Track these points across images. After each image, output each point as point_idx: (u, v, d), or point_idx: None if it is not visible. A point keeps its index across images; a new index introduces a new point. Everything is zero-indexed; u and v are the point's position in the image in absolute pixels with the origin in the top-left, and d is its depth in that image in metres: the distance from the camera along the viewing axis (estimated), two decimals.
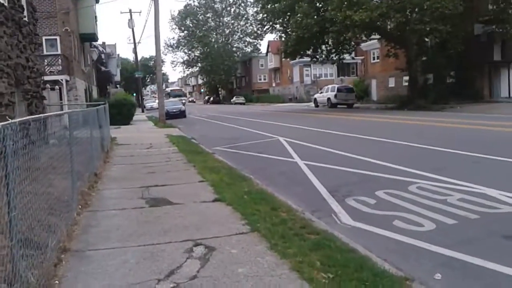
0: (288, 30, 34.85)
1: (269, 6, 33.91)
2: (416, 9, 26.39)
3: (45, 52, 24.64)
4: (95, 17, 31.19)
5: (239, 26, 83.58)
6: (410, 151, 11.64)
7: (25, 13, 12.74)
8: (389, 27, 31.04)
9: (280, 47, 39.70)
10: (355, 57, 49.68)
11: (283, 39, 38.03)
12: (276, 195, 7.06)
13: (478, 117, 20.47)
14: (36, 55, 13.91)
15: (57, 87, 20.87)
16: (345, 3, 26.45)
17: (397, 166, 9.22)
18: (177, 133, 20.27)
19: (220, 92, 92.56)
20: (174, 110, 36.45)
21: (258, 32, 38.08)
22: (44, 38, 24.83)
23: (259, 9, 36.75)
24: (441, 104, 30.07)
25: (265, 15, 35.56)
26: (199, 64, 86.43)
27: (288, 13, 31.88)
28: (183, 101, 52.13)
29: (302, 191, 7.83)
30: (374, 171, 8.94)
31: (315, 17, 29.13)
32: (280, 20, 34.88)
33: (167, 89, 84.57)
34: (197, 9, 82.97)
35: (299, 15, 28.62)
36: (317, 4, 30.37)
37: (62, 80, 24.44)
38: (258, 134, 18.23)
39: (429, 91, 33.77)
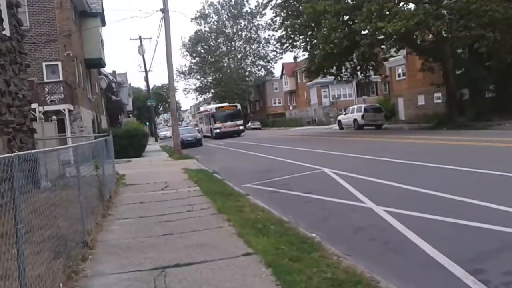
0: (310, 47, 32.13)
1: (288, 22, 31.34)
2: (458, 15, 23.46)
3: (45, 79, 22.18)
4: (101, 40, 28.80)
5: (251, 50, 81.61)
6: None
7: (5, 25, 10.06)
8: (426, 37, 28.13)
9: (304, 65, 36.98)
10: (374, 76, 46.69)
11: (305, 56, 35.32)
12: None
13: None
14: (22, 79, 11.18)
15: (54, 117, 18.19)
16: (375, 13, 23.65)
17: None
18: (196, 166, 17.38)
19: None
20: (190, 139, 33.81)
21: (277, 51, 35.48)
22: (44, 64, 22.48)
23: (277, 25, 34.21)
24: (484, 122, 26.88)
25: (284, 32, 32.95)
26: (212, 90, 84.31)
27: (312, 28, 29.17)
28: (240, 127, 45.02)
29: (418, 269, 4.79)
30: (503, 224, 5.87)
31: (344, 29, 26.36)
32: (302, 37, 32.22)
33: (206, 106, 64.43)
34: (208, 34, 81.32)
35: (325, 28, 25.87)
36: (344, 17, 27.63)
37: (64, 109, 21.83)
38: (293, 164, 15.21)
39: (466, 108, 30.62)
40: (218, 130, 43.00)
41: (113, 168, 12.95)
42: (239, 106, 48.43)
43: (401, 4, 24.26)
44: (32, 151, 4.87)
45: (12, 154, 3.49)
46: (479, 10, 21.99)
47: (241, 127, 44.72)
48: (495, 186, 8.65)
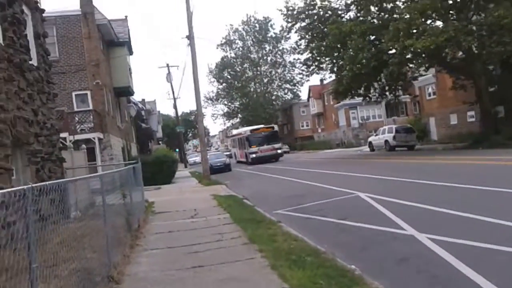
0: (336, 68, 31.79)
1: (314, 44, 31.15)
2: (489, 31, 22.74)
3: (75, 109, 22.49)
4: (129, 69, 29.22)
5: (277, 74, 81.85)
6: None
7: (33, 55, 10.12)
8: (456, 54, 27.43)
9: (331, 87, 36.61)
10: (403, 96, 45.82)
11: (332, 78, 35.02)
12: None
13: None
14: (51, 108, 11.20)
15: (83, 146, 18.28)
16: (402, 32, 23.17)
17: None
18: (225, 192, 17.08)
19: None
20: (218, 164, 33.69)
21: (303, 73, 35.16)
22: (73, 93, 22.80)
23: (302, 48, 34.08)
24: None
25: (309, 54, 32.74)
26: (240, 115, 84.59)
27: (338, 49, 28.87)
28: (278, 150, 40.67)
29: None
30: None
31: (371, 49, 25.93)
32: (328, 59, 31.93)
33: (240, 129, 56.52)
34: (234, 60, 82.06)
35: (351, 49, 25.52)
36: (370, 37, 27.25)
37: (94, 138, 22.03)
38: (325, 188, 14.73)
39: (501, 126, 29.49)
40: (254, 155, 38.86)
41: (142, 195, 12.77)
42: (276, 128, 43.62)
43: (429, 21, 23.70)
44: (55, 181, 4.65)
45: (25, 186, 3.23)
46: (511, 24, 21.31)
47: (279, 151, 40.48)
48: None
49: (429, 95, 42.42)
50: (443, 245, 6.22)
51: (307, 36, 32.66)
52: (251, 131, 41.17)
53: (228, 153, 68.81)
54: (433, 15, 24.14)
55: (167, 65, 49.83)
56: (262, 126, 44.52)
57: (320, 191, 14.14)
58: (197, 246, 7.50)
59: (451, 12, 25.75)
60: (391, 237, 7.24)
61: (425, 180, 13.44)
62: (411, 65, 28.03)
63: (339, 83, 30.89)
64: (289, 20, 32.79)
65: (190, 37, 24.77)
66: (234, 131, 51.59)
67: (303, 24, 32.54)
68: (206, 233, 8.65)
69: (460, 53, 27.22)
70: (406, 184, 13.60)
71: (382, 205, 9.97)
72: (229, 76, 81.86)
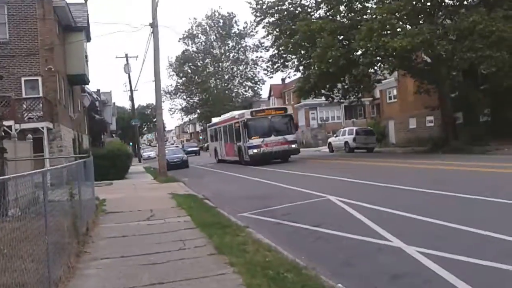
0: (302, 67, 31.24)
1: (281, 41, 30.45)
2: (461, 36, 22.76)
3: (23, 95, 20.72)
4: (86, 56, 27.44)
5: (238, 71, 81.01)
6: None
7: None
8: (421, 59, 27.51)
9: (295, 85, 36.02)
10: (364, 98, 45.99)
11: (297, 76, 34.50)
12: None
13: None
14: None
15: (29, 136, 16.69)
16: (376, 32, 22.82)
17: None
18: (184, 191, 16.00)
19: None
20: (175, 160, 32.41)
21: (268, 70, 34.28)
22: (23, 79, 21.02)
23: (269, 44, 33.33)
24: (480, 146, 26.05)
25: (276, 51, 32.02)
26: (198, 111, 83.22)
27: (306, 48, 28.28)
28: (293, 145, 27.60)
29: None
30: None
31: (340, 48, 25.48)
32: (294, 57, 31.33)
33: (232, 113, 35.65)
34: (195, 55, 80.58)
35: (320, 47, 24.95)
36: (339, 36, 26.82)
37: (43, 128, 20.35)
38: (291, 190, 13.95)
39: (460, 131, 29.87)
40: (255, 150, 26.41)
41: (92, 192, 11.56)
42: (289, 111, 29.58)
43: (401, 23, 23.48)
44: None
45: None
46: (485, 30, 21.34)
47: (293, 145, 27.40)
48: None
49: (390, 98, 42.74)
50: (438, 261, 5.51)
51: (275, 32, 31.97)
52: (253, 113, 28.11)
53: (193, 148, 65.57)
54: (404, 17, 23.91)
55: (126, 56, 47.84)
56: (268, 107, 32.44)
57: (287, 193, 13.36)
58: (155, 256, 6.49)
59: (420, 16, 25.67)
60: (376, 248, 6.50)
61: (393, 184, 12.95)
62: (380, 66, 27.81)
63: (305, 81, 30.33)
64: (258, 14, 31.98)
65: (154, 25, 23.40)
66: (216, 120, 38.21)
67: (272, 19, 31.84)
68: (165, 239, 7.64)
69: (426, 58, 27.28)
70: (375, 187, 13.03)
71: (357, 210, 9.27)
72: (189, 71, 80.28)
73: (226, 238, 7.29)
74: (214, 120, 39.19)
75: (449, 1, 26.40)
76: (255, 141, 26.52)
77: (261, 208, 10.85)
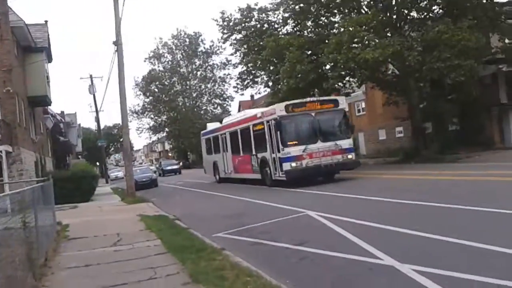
0: (271, 83, 30.99)
1: (249, 57, 30.11)
2: (428, 47, 22.98)
3: None
4: (47, 77, 26.37)
5: (206, 89, 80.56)
6: None
7: None
8: (388, 71, 27.72)
9: (265, 101, 35.72)
10: None
11: (266, 92, 34.12)
12: None
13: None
14: None
15: None
16: (345, 45, 22.71)
17: None
18: (153, 211, 15.19)
19: (189, 157, 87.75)
20: (144, 179, 31.45)
21: (238, 86, 33.73)
22: None
23: (238, 61, 32.92)
24: (451, 154, 26.24)
25: (244, 67, 31.66)
26: (167, 129, 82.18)
27: (275, 64, 28.00)
28: (349, 155, 18.71)
29: None
30: None
31: (309, 63, 25.22)
32: (263, 73, 31.03)
33: (245, 111, 28.52)
34: (162, 74, 79.90)
35: (288, 62, 24.63)
36: (307, 51, 26.64)
37: (1, 151, 19.25)
38: (268, 206, 13.36)
39: (430, 141, 30.10)
40: (294, 164, 18.09)
41: (53, 218, 10.67)
42: (342, 103, 19.90)
43: (371, 35, 23.51)
44: None
45: None
46: (451, 40, 21.53)
47: (349, 155, 19.14)
48: None
49: (359, 111, 42.98)
50: (441, 282, 4.99)
51: (242, 48, 31.67)
52: (289, 108, 18.85)
53: (173, 166, 56.65)
54: (371, 30, 23.97)
55: (90, 76, 46.73)
56: (311, 99, 20.44)
57: (263, 209, 12.78)
58: None
59: (386, 29, 25.83)
60: (367, 268, 5.94)
61: (371, 196, 12.53)
62: (349, 80, 27.78)
63: (274, 96, 30.00)
64: (225, 31, 31.63)
65: (118, 43, 22.65)
66: (214, 124, 29.93)
67: (239, 36, 31.56)
68: (133, 267, 6.89)
69: (392, 69, 27.49)
70: (353, 200, 12.58)
71: (339, 226, 8.74)
72: (156, 90, 79.42)
73: (201, 264, 6.62)
74: (212, 126, 29.49)
75: (415, 14, 26.71)
76: (293, 149, 18.03)
77: (236, 227, 10.20)
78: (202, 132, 30.80)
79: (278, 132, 18.32)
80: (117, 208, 18.37)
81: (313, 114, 18.70)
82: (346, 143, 18.99)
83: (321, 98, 20.78)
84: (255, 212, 12.66)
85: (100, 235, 10.50)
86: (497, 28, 25.74)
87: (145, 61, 79.41)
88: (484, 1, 25.23)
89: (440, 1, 25.05)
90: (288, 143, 18.17)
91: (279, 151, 18.40)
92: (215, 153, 27.02)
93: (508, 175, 14.01)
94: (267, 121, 19.40)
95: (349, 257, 6.51)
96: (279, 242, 8.15)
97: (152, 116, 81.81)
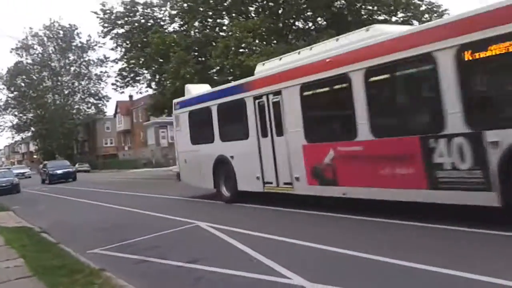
0: (155, 82, 29.50)
1: (132, 54, 28.32)
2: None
3: None
4: None
5: (80, 86, 75.33)
6: None
7: None
8: None
9: (148, 101, 33.94)
10: None
11: (148, 92, 32.49)
12: None
13: None
14: None
15: None
16: (232, 48, 22.31)
17: None
18: (15, 223, 13.08)
19: (57, 159, 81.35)
20: (4, 184, 27.84)
21: (117, 84, 31.47)
22: None
23: (119, 57, 30.79)
24: None
25: (126, 64, 29.71)
26: (33, 128, 75.16)
27: (160, 63, 26.62)
28: None
29: None
30: None
31: (195, 64, 24.35)
32: (146, 71, 29.39)
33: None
34: (31, 67, 73.04)
35: (174, 62, 23.51)
36: (194, 53, 25.74)
37: None
38: (151, 216, 12.20)
39: None
40: None
41: None
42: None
43: (257, 41, 23.42)
44: None
45: None
46: None
47: None
48: None
49: None
50: None
51: (124, 44, 29.72)
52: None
53: (66, 169, 37.18)
54: (258, 36, 23.96)
55: None
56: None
57: (148, 220, 11.61)
58: None
59: (272, 37, 26.07)
60: None
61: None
62: None
63: (161, 97, 28.58)
64: (106, 25, 29.42)
65: None
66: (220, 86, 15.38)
67: (122, 30, 29.57)
68: None
69: None
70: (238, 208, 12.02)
71: (234, 238, 8.02)
72: (23, 84, 72.59)
73: None
74: (215, 89, 15.14)
75: (300, 24, 27.41)
76: None
77: (116, 242, 8.96)
78: (177, 101, 15.65)
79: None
80: None
81: None
82: None
83: None
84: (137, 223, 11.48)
85: None
86: None
87: (11, 51, 72.24)
88: (365, 18, 26.64)
89: (325, 13, 25.91)
90: None
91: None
92: (228, 139, 12.92)
93: None
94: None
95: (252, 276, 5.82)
96: (168, 260, 7.19)
97: (16, 113, 74.81)
